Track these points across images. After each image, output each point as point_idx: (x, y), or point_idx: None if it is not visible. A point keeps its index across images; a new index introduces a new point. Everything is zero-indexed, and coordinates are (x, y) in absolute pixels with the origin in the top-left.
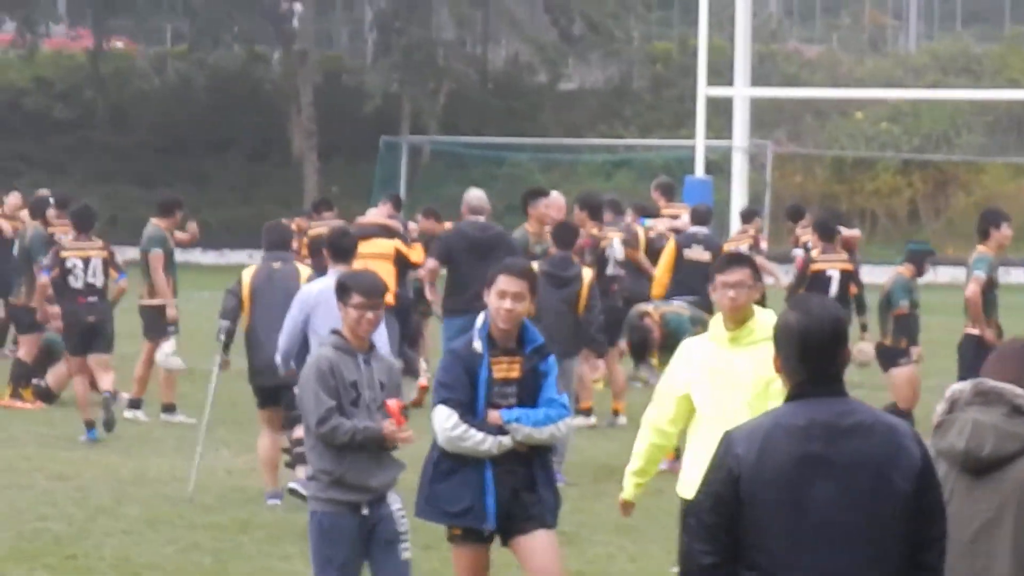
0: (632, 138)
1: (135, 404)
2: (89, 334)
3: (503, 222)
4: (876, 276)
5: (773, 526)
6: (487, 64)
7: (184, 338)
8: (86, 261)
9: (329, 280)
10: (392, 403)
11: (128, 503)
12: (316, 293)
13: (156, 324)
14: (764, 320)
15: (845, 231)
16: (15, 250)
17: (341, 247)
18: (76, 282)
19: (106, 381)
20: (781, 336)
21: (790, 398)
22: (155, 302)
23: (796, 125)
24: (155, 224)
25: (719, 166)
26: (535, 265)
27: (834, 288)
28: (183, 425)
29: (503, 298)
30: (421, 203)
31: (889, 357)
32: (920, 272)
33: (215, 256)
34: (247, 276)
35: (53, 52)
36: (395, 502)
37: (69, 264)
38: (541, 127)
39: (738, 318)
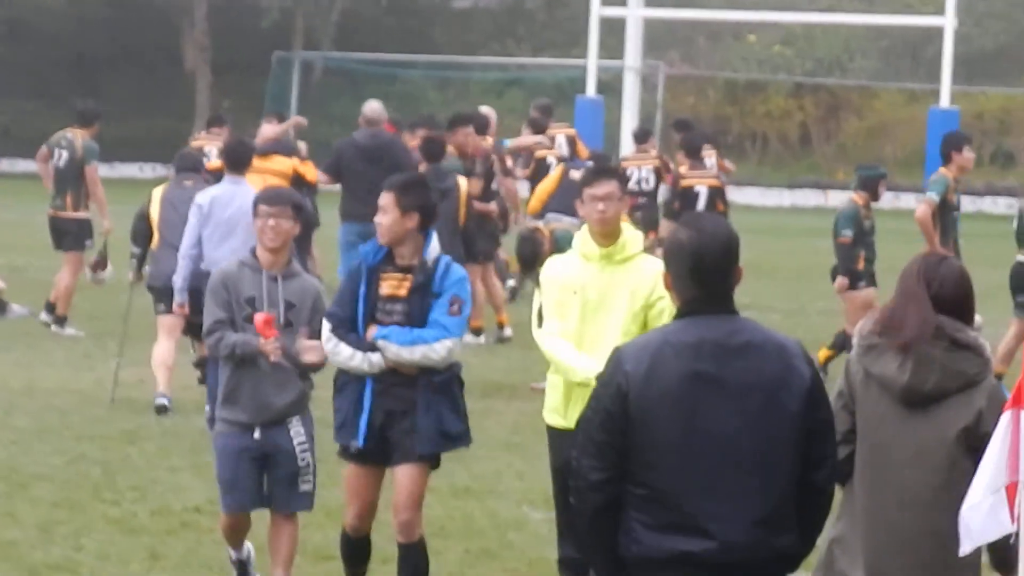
0: (525, 57)
1: (60, 321)
2: None
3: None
4: (768, 199)
5: (663, 444)
6: None
7: None
8: None
9: (223, 187)
10: (258, 317)
11: (17, 414)
12: (209, 200)
13: (76, 237)
14: (633, 236)
15: (725, 163)
16: None
17: (236, 156)
18: None
19: None
20: (672, 253)
21: (680, 316)
22: (78, 215)
23: (689, 47)
24: (84, 135)
25: (611, 87)
26: None
27: (701, 203)
28: (73, 338)
29: (377, 213)
30: (313, 119)
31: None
32: (875, 197)
33: (107, 169)
34: (157, 193)
35: None
36: (298, 435)
37: None
38: (434, 45)
39: (608, 233)
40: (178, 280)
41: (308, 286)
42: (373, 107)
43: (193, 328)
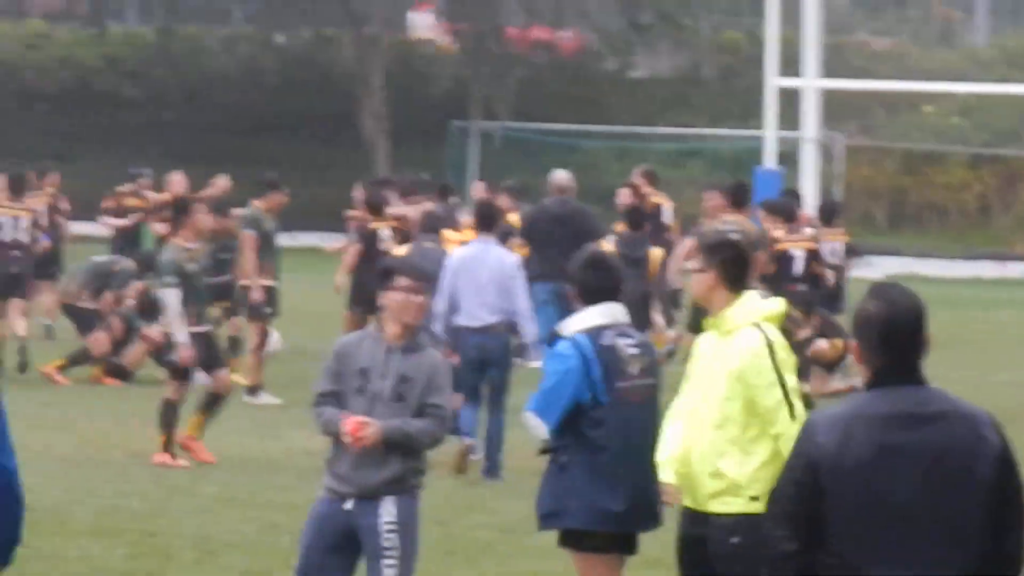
0: (702, 127)
1: (253, 390)
2: (11, 282)
3: None
4: (947, 270)
5: (854, 514)
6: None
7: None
8: (15, 219)
9: (474, 247)
10: (351, 420)
11: (205, 482)
12: (459, 259)
13: (255, 306)
14: (748, 306)
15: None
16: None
17: (487, 216)
18: (4, 236)
19: (20, 326)
20: (862, 324)
21: (870, 387)
22: (245, 283)
23: (866, 117)
24: (253, 205)
25: (789, 157)
26: (606, 244)
27: (799, 267)
28: (259, 406)
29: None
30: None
31: None
32: None
33: (287, 238)
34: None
35: (123, 32)
36: (388, 513)
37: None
38: (612, 115)
39: (709, 304)
40: (437, 331)
41: (428, 361)
42: (562, 176)
43: None
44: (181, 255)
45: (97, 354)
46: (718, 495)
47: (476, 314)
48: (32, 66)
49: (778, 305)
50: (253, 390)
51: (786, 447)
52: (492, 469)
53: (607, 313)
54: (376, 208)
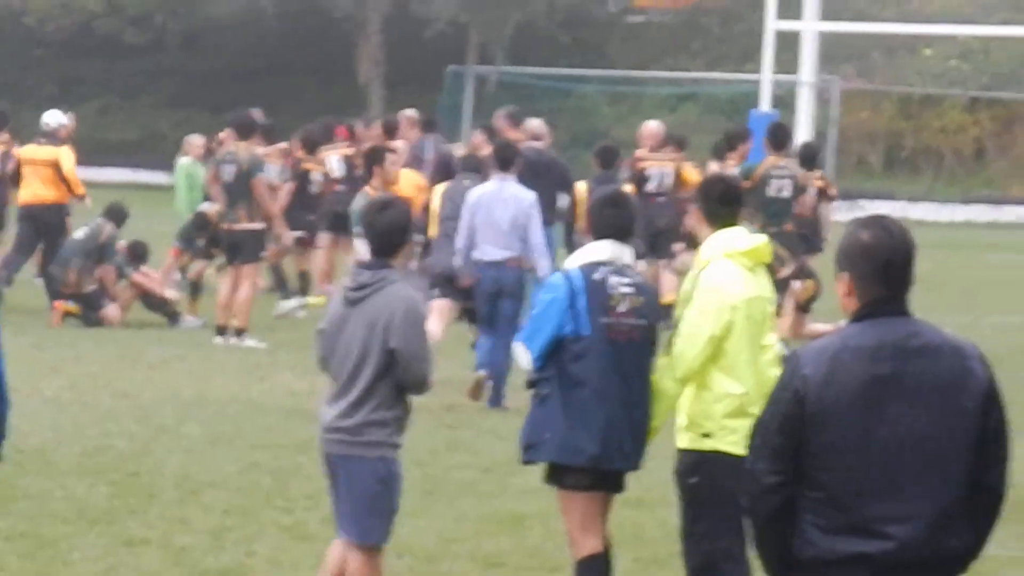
0: (699, 71)
1: (240, 333)
2: None
3: (567, 153)
4: (941, 214)
5: (840, 447)
6: None
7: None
8: None
9: (490, 185)
10: None
11: (189, 423)
12: (476, 197)
13: (251, 249)
14: (714, 242)
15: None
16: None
17: (504, 158)
18: None
19: None
20: (856, 255)
21: (858, 318)
22: (252, 226)
23: (864, 61)
24: (247, 148)
25: (785, 101)
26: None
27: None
28: (246, 349)
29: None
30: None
31: None
32: None
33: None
34: (439, 190)
35: None
36: None
37: None
38: (608, 59)
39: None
40: (461, 260)
41: None
42: (537, 123)
43: (470, 313)
44: None
45: (115, 324)
46: (679, 430)
47: (491, 249)
48: (34, 10)
49: (747, 243)
50: (240, 333)
51: (657, 379)
52: (496, 399)
53: (608, 250)
54: (311, 147)
